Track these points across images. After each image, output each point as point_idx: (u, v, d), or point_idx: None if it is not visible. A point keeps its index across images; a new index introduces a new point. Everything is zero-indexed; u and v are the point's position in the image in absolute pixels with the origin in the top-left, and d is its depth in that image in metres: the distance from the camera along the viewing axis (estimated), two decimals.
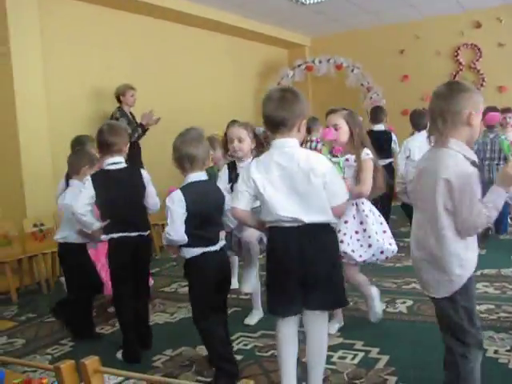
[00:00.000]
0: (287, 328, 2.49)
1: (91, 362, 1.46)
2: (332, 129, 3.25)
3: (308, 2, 8.03)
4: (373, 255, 3.31)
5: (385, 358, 3.14)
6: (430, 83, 9.02)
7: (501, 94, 8.85)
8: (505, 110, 6.22)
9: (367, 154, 3.21)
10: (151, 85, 7.23)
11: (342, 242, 3.16)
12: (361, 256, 3.28)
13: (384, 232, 3.33)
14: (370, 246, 3.28)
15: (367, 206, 3.30)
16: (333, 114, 3.23)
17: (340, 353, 3.26)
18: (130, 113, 6.39)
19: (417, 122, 5.65)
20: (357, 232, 3.27)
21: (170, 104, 7.37)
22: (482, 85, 9.23)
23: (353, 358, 3.18)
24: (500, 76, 8.97)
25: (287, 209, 2.34)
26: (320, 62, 9.34)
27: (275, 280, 2.44)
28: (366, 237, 3.27)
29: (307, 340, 2.52)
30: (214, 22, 8.04)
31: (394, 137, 6.45)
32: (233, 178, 3.53)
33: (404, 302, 4.15)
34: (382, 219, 3.37)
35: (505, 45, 9.01)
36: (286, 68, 9.57)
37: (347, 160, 3.22)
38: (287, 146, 2.38)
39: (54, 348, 3.73)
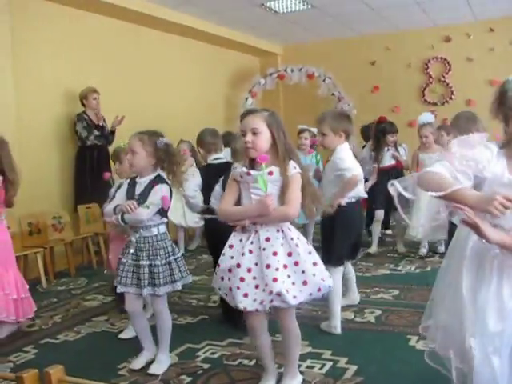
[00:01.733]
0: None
1: (55, 371, 1.43)
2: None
3: (282, 11, 8.06)
4: (310, 294, 2.68)
5: (353, 368, 3.14)
6: (399, 95, 9.57)
7: (469, 107, 8.89)
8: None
9: (294, 167, 2.67)
10: (122, 89, 7.17)
11: (275, 280, 2.59)
12: (295, 297, 2.63)
13: (315, 264, 2.69)
14: (305, 283, 2.64)
15: (295, 233, 2.71)
16: (251, 115, 2.70)
17: (308, 362, 3.25)
18: (102, 118, 6.44)
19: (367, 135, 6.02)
20: (285, 266, 2.63)
21: (141, 109, 7.30)
22: (450, 98, 9.41)
23: (321, 368, 3.18)
24: (468, 90, 9.12)
25: None
26: (292, 70, 9.35)
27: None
28: (299, 272, 2.63)
29: None
30: (187, 28, 8.00)
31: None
32: (129, 196, 3.23)
33: (372, 312, 4.17)
34: (311, 248, 2.75)
35: (473, 60, 9.19)
36: (257, 76, 9.57)
37: (270, 173, 2.63)
38: None
39: (17, 355, 3.65)
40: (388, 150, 6.13)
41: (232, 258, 2.70)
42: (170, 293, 3.45)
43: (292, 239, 2.65)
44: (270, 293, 2.56)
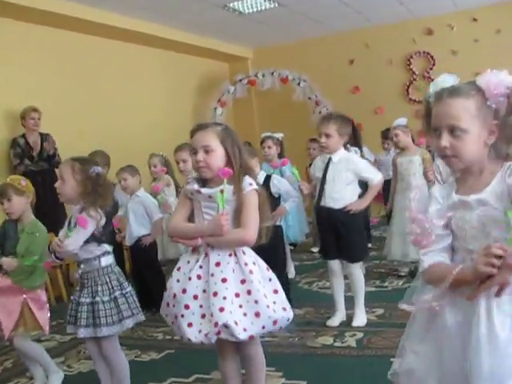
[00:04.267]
0: None
1: None
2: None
3: (247, 11, 8.09)
4: (263, 327, 2.60)
5: None
6: (382, 94, 9.65)
7: None
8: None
9: (250, 183, 2.64)
10: (76, 105, 7.15)
11: (221, 309, 2.52)
12: (245, 330, 2.55)
13: (275, 292, 2.66)
14: (257, 314, 2.57)
15: (250, 258, 2.66)
16: (202, 131, 2.68)
17: None
18: (40, 140, 6.39)
19: None
20: (237, 295, 2.57)
21: (97, 128, 7.29)
22: None
23: None
24: None
25: None
26: (263, 75, 9.41)
27: None
28: (252, 302, 2.56)
29: None
30: (146, 36, 7.99)
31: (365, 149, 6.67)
32: (70, 227, 3.18)
33: (353, 335, 4.15)
34: (272, 274, 2.71)
35: (457, 52, 9.27)
36: (226, 83, 9.67)
37: (222, 192, 2.58)
38: None
39: None
40: None
41: (178, 281, 2.66)
42: (132, 328, 3.42)
43: (246, 264, 2.60)
44: (216, 324, 2.50)
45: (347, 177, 4.17)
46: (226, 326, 2.50)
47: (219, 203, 2.52)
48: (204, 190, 2.63)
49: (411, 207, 1.90)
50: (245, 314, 2.55)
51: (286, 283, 4.59)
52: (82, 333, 3.10)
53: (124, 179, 5.24)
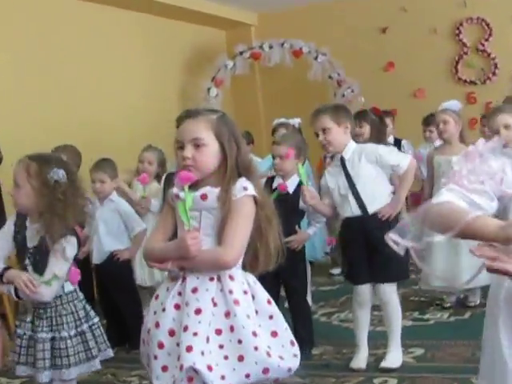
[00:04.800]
0: None
1: None
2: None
3: None
4: (246, 376, 2.53)
5: None
6: (423, 73, 9.67)
7: None
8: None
9: (244, 187, 2.60)
10: (34, 88, 7.08)
11: (189, 349, 2.47)
12: (223, 378, 2.48)
13: (274, 335, 2.62)
14: (240, 358, 2.52)
15: (239, 284, 2.63)
16: (192, 119, 2.67)
17: None
18: None
19: None
20: (219, 331, 2.53)
21: (61, 117, 7.25)
22: (494, 73, 9.39)
23: None
24: None
25: None
26: (271, 47, 9.39)
27: None
28: (235, 341, 2.52)
29: None
30: None
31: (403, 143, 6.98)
32: (18, 245, 3.26)
33: (385, 382, 4.15)
34: (275, 310, 2.70)
35: None
36: (223, 56, 9.60)
37: (203, 197, 2.59)
38: None
39: None
40: None
41: (155, 313, 2.66)
42: (99, 370, 3.45)
43: (231, 293, 2.57)
44: (181, 367, 2.46)
45: (369, 172, 4.32)
46: (194, 370, 2.44)
47: (182, 215, 2.51)
48: (182, 195, 2.59)
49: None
50: (226, 357, 2.52)
51: (307, 315, 4.87)
52: (47, 376, 3.09)
53: (101, 181, 5.16)
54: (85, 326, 3.16)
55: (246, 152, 2.82)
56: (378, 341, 4.58)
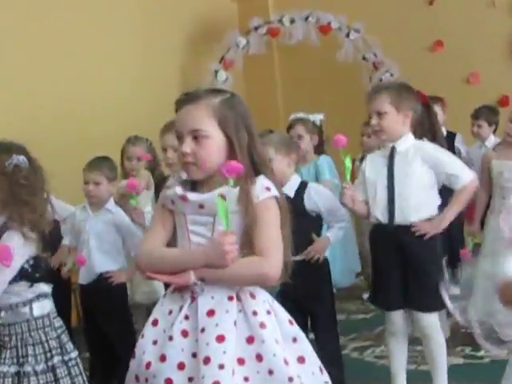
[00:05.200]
0: None
1: None
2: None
3: None
4: None
5: None
6: (478, 53, 9.47)
7: None
8: None
9: (267, 187, 2.67)
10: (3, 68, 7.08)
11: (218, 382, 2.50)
12: None
13: (301, 361, 2.68)
14: None
15: (262, 303, 2.72)
16: (192, 105, 2.70)
17: None
18: None
19: None
20: (241, 361, 2.57)
21: (40, 101, 7.30)
22: None
23: None
24: None
25: None
26: (292, 21, 9.37)
27: None
28: (264, 372, 2.55)
29: None
30: None
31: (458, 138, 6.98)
32: None
33: None
34: (297, 331, 2.77)
35: None
36: (234, 32, 9.62)
37: (223, 197, 2.56)
38: None
39: None
40: None
41: (155, 343, 2.67)
42: None
43: (255, 314, 2.62)
44: None
45: (421, 175, 4.38)
46: None
47: (221, 215, 2.50)
48: (193, 196, 2.66)
49: None
50: None
51: (336, 349, 4.87)
52: None
53: (96, 183, 5.06)
54: (56, 360, 3.13)
55: (261, 143, 2.85)
56: (421, 382, 4.59)
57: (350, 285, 7.39)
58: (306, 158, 6.28)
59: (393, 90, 4.40)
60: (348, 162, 4.25)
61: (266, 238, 2.61)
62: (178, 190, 2.68)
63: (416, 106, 4.48)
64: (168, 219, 2.77)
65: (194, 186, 2.73)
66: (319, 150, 6.69)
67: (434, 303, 4.28)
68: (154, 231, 2.80)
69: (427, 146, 4.50)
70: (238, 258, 2.57)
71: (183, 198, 2.66)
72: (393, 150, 4.40)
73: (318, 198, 4.66)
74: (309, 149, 6.32)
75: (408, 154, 4.36)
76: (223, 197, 2.49)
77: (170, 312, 2.68)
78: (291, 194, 4.52)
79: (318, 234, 4.73)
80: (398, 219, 4.32)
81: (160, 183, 5.02)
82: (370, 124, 4.48)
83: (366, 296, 7.17)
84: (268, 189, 2.65)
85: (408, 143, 4.40)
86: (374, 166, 4.52)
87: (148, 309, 5.07)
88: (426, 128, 5.47)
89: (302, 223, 4.22)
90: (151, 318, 2.73)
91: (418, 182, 4.34)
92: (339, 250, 6.36)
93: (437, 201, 4.43)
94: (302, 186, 4.67)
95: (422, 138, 4.91)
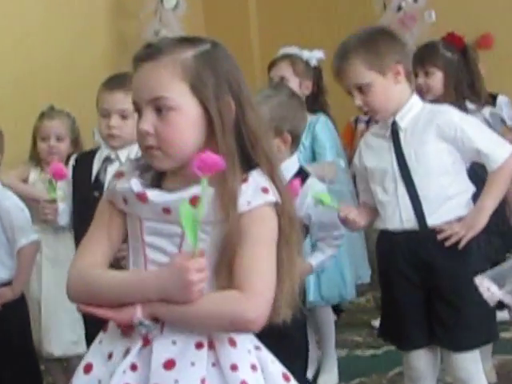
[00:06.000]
0: None
1: None
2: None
3: None
4: None
5: None
6: None
7: None
8: None
9: (263, 188, 2.29)
10: None
11: None
12: None
13: None
14: None
15: (245, 354, 2.39)
16: (150, 62, 2.41)
17: None
18: None
19: None
20: None
21: None
22: None
23: None
24: None
25: None
26: None
27: None
28: None
29: None
30: None
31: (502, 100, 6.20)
32: None
33: None
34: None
35: None
36: None
37: (193, 202, 2.25)
38: None
39: None
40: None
41: None
42: None
43: (235, 369, 2.33)
44: None
45: (440, 155, 3.90)
46: None
47: (187, 228, 2.17)
48: (155, 196, 2.33)
49: None
50: None
51: None
52: None
53: None
54: None
55: (258, 116, 2.44)
56: None
57: (354, 305, 6.80)
58: None
59: (365, 47, 3.89)
60: (327, 199, 3.84)
61: (248, 262, 2.28)
62: (135, 184, 2.32)
63: (405, 56, 4.01)
64: (116, 224, 2.43)
65: (159, 178, 2.41)
66: (314, 104, 5.65)
67: (473, 337, 3.93)
68: (92, 241, 2.45)
69: (443, 111, 3.96)
70: (208, 292, 2.27)
71: (141, 197, 2.32)
72: (394, 126, 3.89)
73: (316, 210, 4.01)
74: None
75: (417, 129, 3.89)
76: (194, 201, 2.19)
77: (111, 356, 2.39)
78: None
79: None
80: (410, 223, 3.82)
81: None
82: (355, 103, 3.97)
83: (376, 323, 5.89)
84: (265, 190, 2.28)
85: (413, 112, 3.90)
86: (373, 152, 4.05)
87: (68, 362, 5.12)
88: (464, 83, 5.35)
89: None
90: (83, 362, 2.47)
91: (436, 166, 3.86)
92: (344, 253, 5.48)
93: (467, 193, 3.91)
94: (300, 176, 3.88)
95: (462, 100, 4.85)
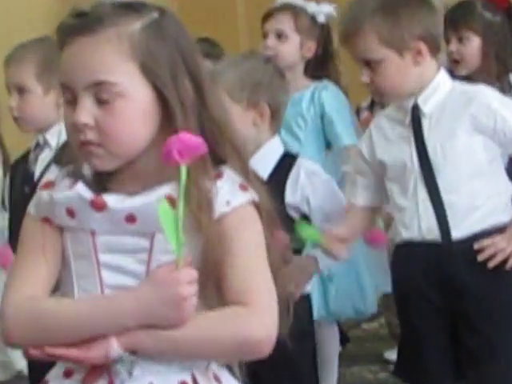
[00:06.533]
0: None
1: None
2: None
3: None
4: None
5: None
6: None
7: None
8: None
9: (241, 186, 2.06)
10: None
11: None
12: None
13: None
14: None
15: None
16: (86, 37, 2.04)
17: None
18: None
19: None
20: None
21: None
22: None
23: None
24: None
25: None
26: None
27: None
28: None
29: None
30: None
31: None
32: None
33: None
34: None
35: None
36: None
37: (172, 204, 1.97)
38: None
39: None
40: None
41: None
42: None
43: None
44: None
45: (474, 150, 3.43)
46: None
47: (170, 233, 1.92)
48: (116, 202, 2.03)
49: None
50: None
51: None
52: None
53: None
54: None
55: (220, 101, 2.23)
56: None
57: (363, 332, 6.44)
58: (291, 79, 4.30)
59: (383, 14, 3.34)
60: (312, 233, 3.48)
61: (247, 273, 2.04)
62: (84, 190, 2.02)
63: (433, 25, 3.47)
64: (52, 245, 2.09)
65: (100, 182, 2.10)
66: (318, 70, 5.01)
67: (509, 376, 3.54)
68: (27, 270, 2.13)
69: (479, 91, 3.47)
70: (198, 314, 2.02)
71: (97, 205, 2.04)
72: (415, 111, 3.37)
73: (313, 189, 3.59)
74: (297, 62, 4.80)
75: (444, 116, 3.38)
76: (172, 201, 1.92)
77: None
78: (264, 174, 3.43)
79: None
80: (433, 234, 3.36)
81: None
82: (362, 78, 3.50)
83: (391, 355, 5.63)
84: (243, 187, 2.05)
85: (440, 93, 3.38)
86: (388, 141, 3.53)
87: None
88: (508, 51, 4.97)
89: None
90: None
91: (468, 164, 3.38)
92: (361, 255, 4.92)
93: (507, 192, 3.47)
94: (286, 162, 3.59)
95: (505, 74, 4.54)
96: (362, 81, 3.62)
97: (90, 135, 1.98)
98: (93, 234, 2.08)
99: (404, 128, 3.47)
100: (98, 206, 2.04)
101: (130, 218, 2.01)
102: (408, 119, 3.44)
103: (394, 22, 3.34)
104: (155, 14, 2.04)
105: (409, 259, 3.58)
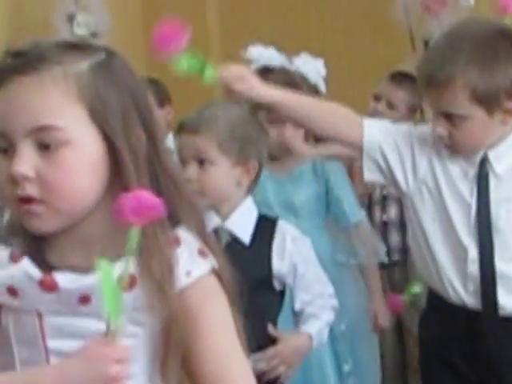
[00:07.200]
0: None
1: None
2: None
3: None
4: None
5: None
6: None
7: None
8: None
9: (200, 250, 1.90)
10: None
11: None
12: None
13: None
14: None
15: None
16: (27, 76, 1.91)
17: None
18: None
19: None
20: None
21: None
22: None
23: None
24: None
25: None
26: None
27: None
28: None
29: None
30: None
31: None
32: None
33: None
34: None
35: None
36: None
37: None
38: None
39: None
40: None
41: None
42: None
43: None
44: None
45: None
46: None
47: (107, 297, 1.71)
48: (66, 281, 1.85)
49: None
50: None
51: None
52: None
53: None
54: None
55: (170, 153, 2.24)
56: None
57: None
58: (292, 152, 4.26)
59: (480, 63, 2.96)
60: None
61: (220, 359, 1.90)
62: (30, 267, 1.80)
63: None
64: None
65: (37, 250, 1.84)
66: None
67: None
68: None
69: None
70: None
71: (46, 285, 1.84)
72: (484, 166, 3.08)
73: (301, 257, 3.37)
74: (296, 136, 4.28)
75: None
76: (134, 280, 1.77)
77: None
78: (246, 238, 3.33)
79: (275, 319, 3.41)
80: (477, 301, 3.05)
81: None
82: (433, 130, 3.11)
83: None
84: (202, 253, 1.87)
85: None
86: (447, 177, 3.18)
87: None
88: None
89: (257, 299, 3.02)
90: None
91: None
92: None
93: None
94: (265, 226, 3.37)
95: None
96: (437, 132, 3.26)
97: (30, 189, 1.80)
98: (40, 315, 1.92)
99: (466, 179, 3.16)
100: (48, 287, 1.88)
101: (84, 299, 1.87)
102: (473, 172, 3.13)
103: (490, 78, 3.00)
104: (102, 55, 1.91)
105: (440, 322, 3.31)
